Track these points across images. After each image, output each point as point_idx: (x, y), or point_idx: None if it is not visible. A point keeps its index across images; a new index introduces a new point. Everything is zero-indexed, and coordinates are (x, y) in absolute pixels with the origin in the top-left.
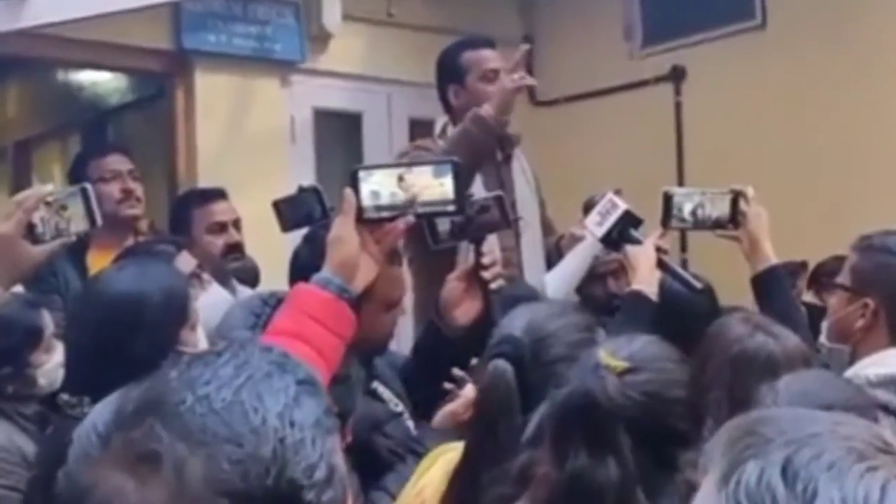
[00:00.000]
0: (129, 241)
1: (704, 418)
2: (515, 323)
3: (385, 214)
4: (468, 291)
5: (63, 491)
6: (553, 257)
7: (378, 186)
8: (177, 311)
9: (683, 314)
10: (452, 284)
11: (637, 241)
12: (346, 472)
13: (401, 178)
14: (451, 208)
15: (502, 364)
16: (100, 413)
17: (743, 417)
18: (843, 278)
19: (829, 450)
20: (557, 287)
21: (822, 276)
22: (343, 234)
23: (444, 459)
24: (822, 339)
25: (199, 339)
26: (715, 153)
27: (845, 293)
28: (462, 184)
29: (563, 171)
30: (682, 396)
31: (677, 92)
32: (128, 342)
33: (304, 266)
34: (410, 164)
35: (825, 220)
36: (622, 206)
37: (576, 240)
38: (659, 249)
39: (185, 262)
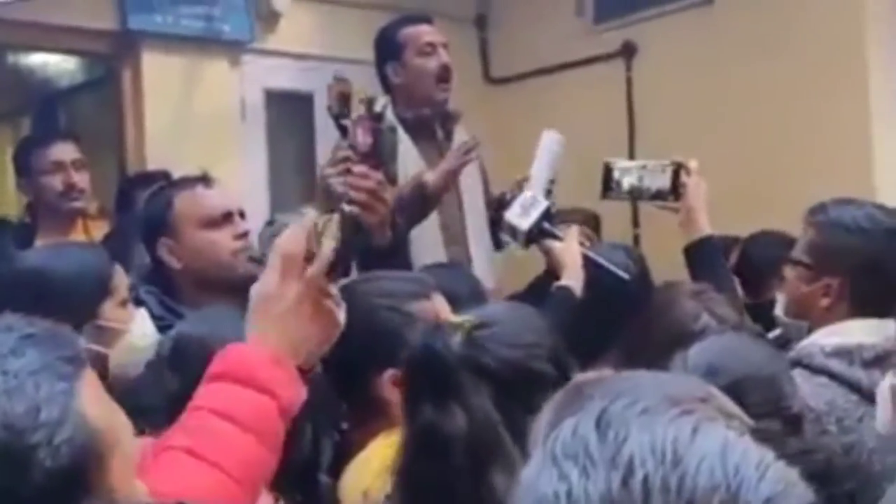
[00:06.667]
0: (78, 229)
1: (572, 363)
2: None
3: None
4: None
5: None
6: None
7: None
8: (91, 284)
9: (614, 299)
10: None
11: (558, 237)
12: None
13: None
14: None
15: None
16: None
17: (571, 382)
18: (801, 254)
19: (645, 398)
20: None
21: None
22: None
23: None
24: (779, 312)
25: (129, 317)
26: (665, 128)
27: (805, 271)
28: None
29: (517, 147)
30: (539, 340)
31: (628, 68)
32: (33, 312)
33: None
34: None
35: (776, 195)
36: (543, 201)
37: None
38: (582, 243)
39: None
